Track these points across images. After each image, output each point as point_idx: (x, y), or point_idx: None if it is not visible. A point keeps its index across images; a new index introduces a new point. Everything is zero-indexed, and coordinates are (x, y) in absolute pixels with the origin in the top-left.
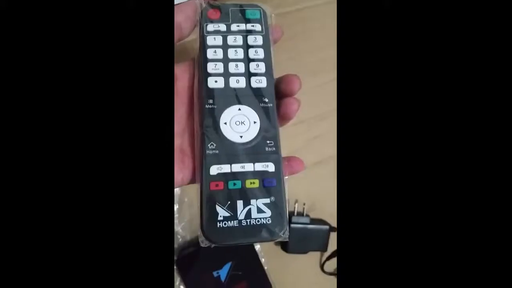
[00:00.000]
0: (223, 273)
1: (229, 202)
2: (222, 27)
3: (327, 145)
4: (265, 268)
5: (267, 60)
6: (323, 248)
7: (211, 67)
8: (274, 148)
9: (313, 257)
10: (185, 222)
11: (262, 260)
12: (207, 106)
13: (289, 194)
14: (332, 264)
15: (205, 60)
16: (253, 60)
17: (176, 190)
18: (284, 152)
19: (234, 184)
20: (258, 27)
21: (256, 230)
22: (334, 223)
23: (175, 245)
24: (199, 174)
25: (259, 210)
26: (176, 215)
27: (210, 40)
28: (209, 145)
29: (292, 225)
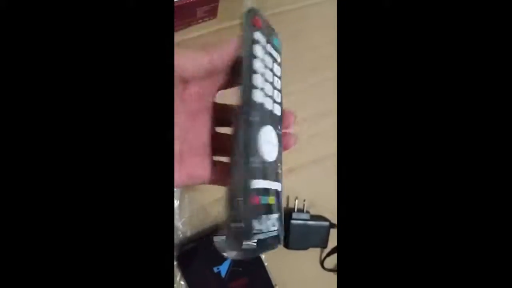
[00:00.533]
0: (223, 269)
1: (261, 217)
2: (263, 41)
3: (327, 142)
4: (266, 264)
5: (281, 91)
6: (323, 245)
7: (258, 80)
8: (280, 170)
9: (313, 253)
10: (185, 218)
11: (263, 256)
12: (251, 119)
13: (290, 190)
14: (332, 261)
15: (251, 70)
16: (276, 88)
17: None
18: None
19: (264, 199)
20: (279, 58)
21: (272, 242)
22: (334, 220)
23: (176, 241)
24: (237, 184)
25: (273, 224)
26: (176, 211)
27: (258, 51)
28: (251, 158)
29: (293, 221)
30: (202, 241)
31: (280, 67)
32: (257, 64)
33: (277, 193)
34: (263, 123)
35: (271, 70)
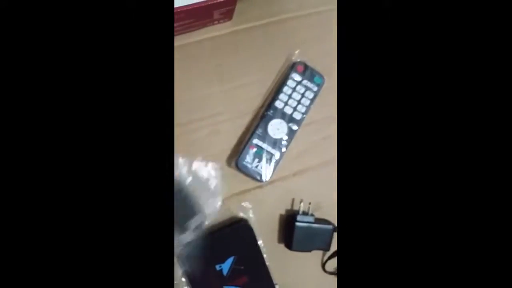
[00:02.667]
0: (225, 267)
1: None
2: (298, 77)
3: (334, 146)
4: (267, 264)
5: (306, 107)
6: (326, 248)
7: (283, 95)
8: (284, 144)
9: (316, 256)
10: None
11: (264, 256)
12: (266, 113)
13: (295, 193)
14: (333, 264)
15: (281, 90)
16: (299, 102)
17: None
18: (293, 152)
19: (258, 151)
20: (315, 87)
21: (253, 173)
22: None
23: (179, 238)
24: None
25: (257, 165)
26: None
27: (290, 82)
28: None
29: (297, 224)
30: (205, 239)
31: (314, 93)
32: (285, 88)
33: (269, 153)
34: (274, 117)
35: (299, 93)
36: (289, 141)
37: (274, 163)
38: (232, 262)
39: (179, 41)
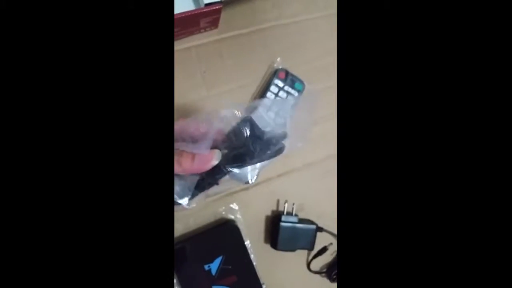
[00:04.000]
0: (214, 267)
1: None
2: (280, 84)
3: (318, 148)
4: (254, 263)
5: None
6: (310, 247)
7: (266, 101)
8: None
9: (301, 255)
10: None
11: (251, 256)
12: None
13: (279, 194)
14: (318, 263)
15: (264, 95)
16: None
17: None
18: None
19: None
20: (296, 92)
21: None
22: (321, 224)
23: None
24: None
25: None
26: None
27: (272, 88)
28: None
29: (282, 224)
30: (195, 239)
31: (295, 98)
32: (269, 93)
33: None
34: None
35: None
36: None
37: (259, 165)
38: (220, 262)
39: None
